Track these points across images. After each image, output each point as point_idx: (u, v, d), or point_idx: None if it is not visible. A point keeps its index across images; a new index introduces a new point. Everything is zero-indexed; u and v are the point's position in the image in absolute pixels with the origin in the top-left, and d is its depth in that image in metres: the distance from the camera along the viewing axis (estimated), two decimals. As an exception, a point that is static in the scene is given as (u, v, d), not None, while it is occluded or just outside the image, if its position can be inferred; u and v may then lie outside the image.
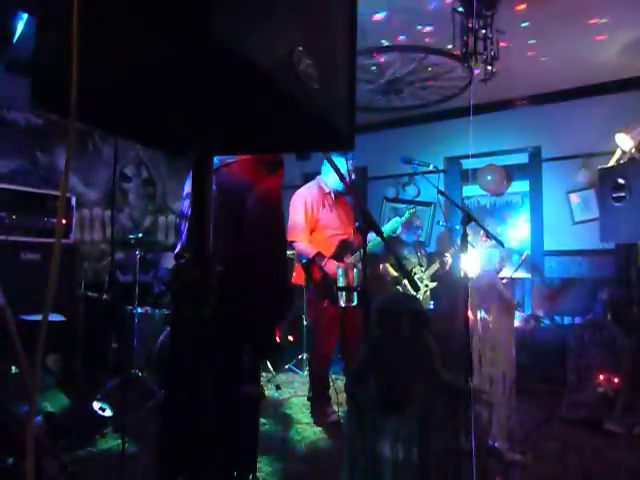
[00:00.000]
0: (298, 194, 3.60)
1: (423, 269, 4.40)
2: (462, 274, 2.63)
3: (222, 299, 0.86)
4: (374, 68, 4.23)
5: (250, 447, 1.95)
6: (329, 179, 3.56)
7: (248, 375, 1.85)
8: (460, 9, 3.24)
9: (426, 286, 4.34)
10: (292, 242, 3.44)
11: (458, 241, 2.68)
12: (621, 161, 3.76)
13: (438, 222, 4.49)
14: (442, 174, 5.81)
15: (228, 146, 0.97)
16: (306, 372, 4.75)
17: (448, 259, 4.35)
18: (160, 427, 1.89)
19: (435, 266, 4.37)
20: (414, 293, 4.00)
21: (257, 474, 2.49)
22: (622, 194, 3.35)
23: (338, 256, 3.43)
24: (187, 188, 2.10)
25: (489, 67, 3.36)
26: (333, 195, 3.58)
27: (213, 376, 0.80)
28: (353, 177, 3.48)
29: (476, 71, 3.75)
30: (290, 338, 5.28)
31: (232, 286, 1.46)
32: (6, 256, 3.47)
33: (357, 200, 2.51)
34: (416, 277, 4.28)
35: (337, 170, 2.31)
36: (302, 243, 3.45)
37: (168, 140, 0.90)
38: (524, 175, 5.71)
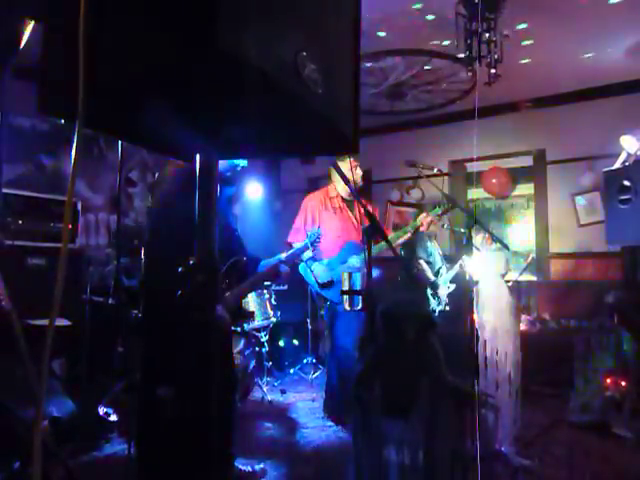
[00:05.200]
0: (305, 199, 3.72)
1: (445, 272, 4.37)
2: (468, 277, 2.62)
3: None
4: (378, 72, 4.24)
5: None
6: (338, 183, 3.61)
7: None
8: (464, 12, 3.24)
9: (448, 287, 4.31)
10: (291, 244, 3.48)
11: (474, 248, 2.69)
12: (626, 163, 3.73)
13: (443, 225, 4.47)
14: (446, 177, 5.81)
15: (233, 150, 0.97)
16: (311, 376, 4.74)
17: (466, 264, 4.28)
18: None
19: (456, 269, 4.34)
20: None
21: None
22: (628, 196, 3.32)
23: (344, 258, 3.49)
24: None
25: (493, 70, 3.35)
26: (340, 199, 3.63)
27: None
28: (360, 183, 3.54)
29: (480, 74, 3.74)
30: (295, 342, 5.27)
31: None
32: (12, 261, 3.48)
33: (362, 204, 2.51)
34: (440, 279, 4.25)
35: (343, 176, 2.35)
36: (296, 244, 3.44)
37: (173, 144, 0.91)
38: (529, 178, 5.69)
